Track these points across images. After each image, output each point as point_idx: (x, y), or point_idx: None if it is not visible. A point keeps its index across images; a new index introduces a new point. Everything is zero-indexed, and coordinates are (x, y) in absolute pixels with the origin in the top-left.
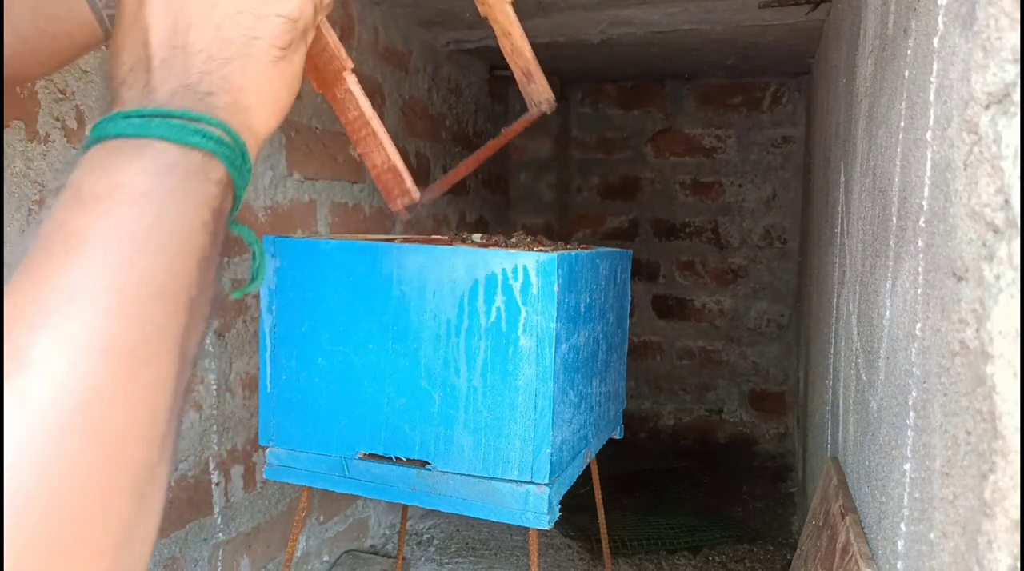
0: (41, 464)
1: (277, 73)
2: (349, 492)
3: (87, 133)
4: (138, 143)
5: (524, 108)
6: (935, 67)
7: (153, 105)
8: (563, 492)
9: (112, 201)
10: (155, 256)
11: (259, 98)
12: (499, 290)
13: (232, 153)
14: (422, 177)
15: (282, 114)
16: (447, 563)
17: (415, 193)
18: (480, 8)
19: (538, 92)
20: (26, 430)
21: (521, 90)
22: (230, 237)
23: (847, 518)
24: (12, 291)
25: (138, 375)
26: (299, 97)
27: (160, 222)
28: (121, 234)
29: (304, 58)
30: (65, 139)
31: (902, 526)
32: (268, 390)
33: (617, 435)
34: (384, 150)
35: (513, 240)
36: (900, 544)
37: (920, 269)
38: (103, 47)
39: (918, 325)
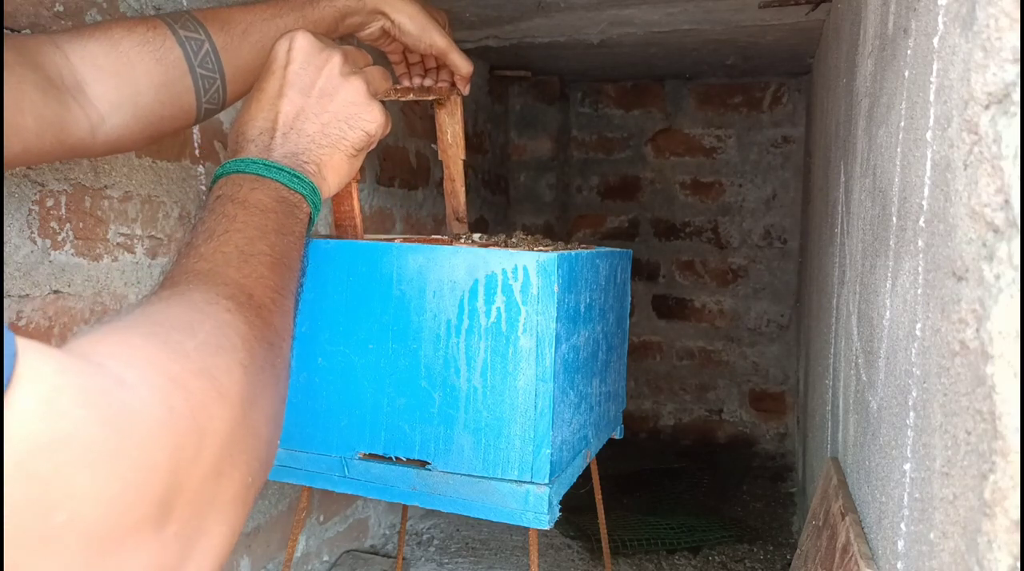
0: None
1: (348, 163)
2: (349, 492)
3: (221, 166)
4: (262, 180)
5: (524, 109)
6: (935, 67)
7: (272, 159)
8: (563, 492)
9: (254, 207)
10: (284, 240)
11: (332, 174)
12: (499, 290)
13: (315, 199)
14: (421, 176)
15: (340, 187)
16: (447, 563)
17: None
18: (440, 154)
19: (458, 227)
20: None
21: (447, 222)
22: None
23: (847, 518)
24: (191, 251)
25: (284, 305)
26: None
27: (282, 224)
28: (265, 225)
29: (363, 157)
30: None
31: (902, 526)
32: None
33: (617, 435)
34: (357, 236)
35: (513, 240)
36: (900, 544)
37: (920, 269)
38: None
39: (918, 325)
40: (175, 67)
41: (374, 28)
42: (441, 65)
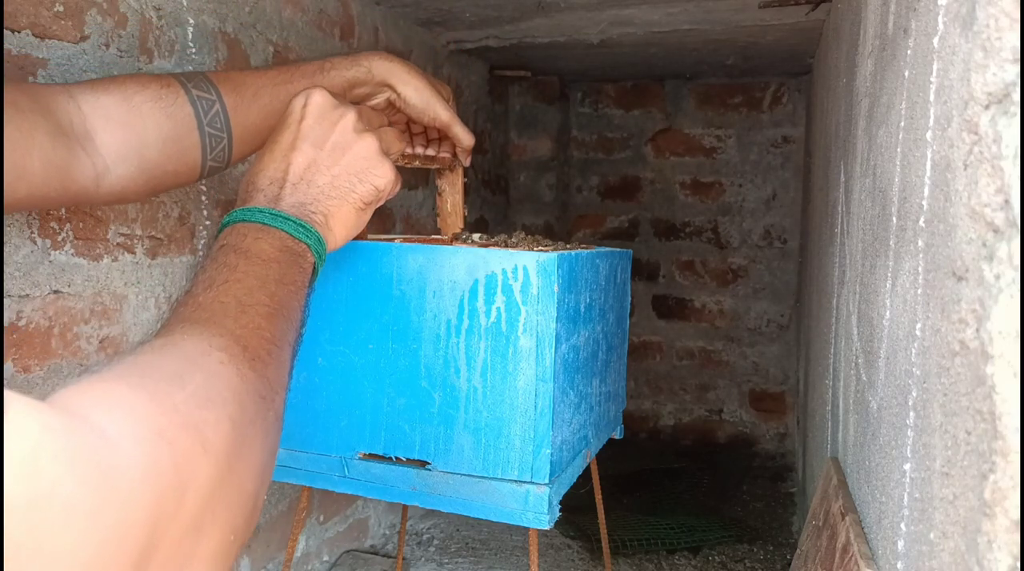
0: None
1: (355, 216)
2: (349, 492)
3: (228, 215)
4: (267, 229)
5: (524, 109)
6: (935, 67)
7: (279, 209)
8: (563, 492)
9: (256, 256)
10: (284, 290)
11: (340, 226)
12: (499, 290)
13: (320, 249)
14: (421, 177)
15: (347, 240)
16: (447, 563)
17: None
18: (439, 222)
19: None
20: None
21: (439, 227)
22: None
23: (847, 518)
24: (190, 300)
25: (279, 357)
26: None
27: (284, 274)
28: (266, 274)
29: (372, 212)
30: None
31: (902, 526)
32: None
33: (617, 435)
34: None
35: (513, 240)
36: (900, 544)
37: (920, 269)
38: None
39: (918, 325)
40: (184, 124)
41: (380, 99)
42: (443, 136)
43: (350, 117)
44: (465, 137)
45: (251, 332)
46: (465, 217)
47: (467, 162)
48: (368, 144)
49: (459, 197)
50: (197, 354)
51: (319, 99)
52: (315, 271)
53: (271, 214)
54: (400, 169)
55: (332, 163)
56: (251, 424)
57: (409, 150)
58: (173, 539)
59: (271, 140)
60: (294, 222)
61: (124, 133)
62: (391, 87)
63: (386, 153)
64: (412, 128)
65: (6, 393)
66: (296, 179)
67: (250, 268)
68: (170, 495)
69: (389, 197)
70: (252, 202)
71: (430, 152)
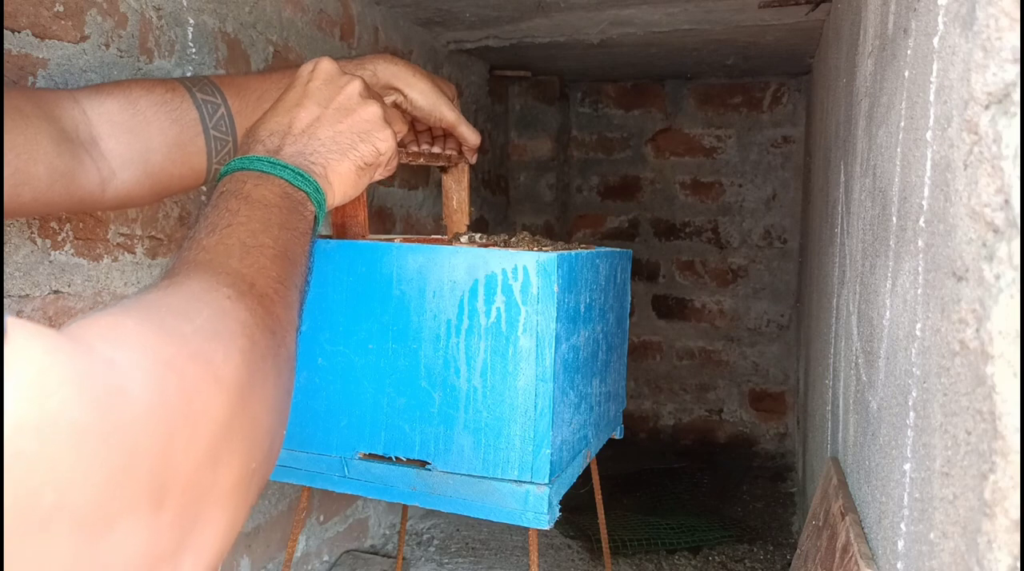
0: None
1: (354, 175)
2: (349, 492)
3: (227, 164)
4: (266, 176)
5: (524, 109)
6: (935, 67)
7: (279, 158)
8: (563, 492)
9: (258, 202)
10: (288, 234)
11: (338, 181)
12: (499, 290)
13: (319, 199)
14: (421, 177)
15: (345, 199)
16: (447, 563)
17: None
18: (444, 219)
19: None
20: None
21: (444, 224)
22: None
23: (847, 518)
24: (193, 244)
25: (287, 296)
26: None
27: (286, 220)
28: (268, 218)
29: (371, 177)
30: None
31: (902, 526)
32: None
33: (617, 435)
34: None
35: (513, 240)
36: (900, 544)
37: (920, 269)
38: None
39: (918, 325)
40: (190, 128)
41: (386, 102)
42: (448, 134)
43: (357, 83)
44: (471, 136)
45: (256, 271)
46: (471, 214)
47: (473, 160)
48: (373, 109)
49: (464, 195)
50: (203, 292)
51: (327, 65)
52: (316, 222)
53: (270, 162)
54: (401, 169)
55: (336, 121)
56: (263, 359)
57: (415, 147)
58: (190, 469)
59: (277, 100)
60: (293, 170)
61: (129, 138)
62: (397, 90)
63: (389, 123)
64: (417, 126)
65: (11, 319)
66: (299, 131)
67: (252, 213)
68: (181, 424)
69: (387, 172)
70: (252, 152)
71: (436, 149)
